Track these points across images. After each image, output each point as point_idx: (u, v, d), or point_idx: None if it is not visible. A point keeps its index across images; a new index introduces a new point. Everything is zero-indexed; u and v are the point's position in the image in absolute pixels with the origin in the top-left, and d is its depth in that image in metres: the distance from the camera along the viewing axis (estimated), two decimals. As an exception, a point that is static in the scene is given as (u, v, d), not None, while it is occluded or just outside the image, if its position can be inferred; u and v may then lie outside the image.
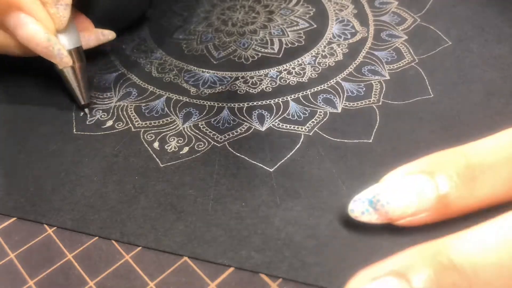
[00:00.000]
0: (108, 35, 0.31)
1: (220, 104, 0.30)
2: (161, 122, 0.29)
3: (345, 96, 0.30)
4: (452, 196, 0.20)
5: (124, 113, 0.30)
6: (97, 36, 0.31)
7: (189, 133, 0.28)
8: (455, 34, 0.34)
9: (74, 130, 0.29)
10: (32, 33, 0.25)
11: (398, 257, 0.17)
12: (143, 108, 0.30)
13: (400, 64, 0.32)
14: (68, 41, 0.28)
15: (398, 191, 0.20)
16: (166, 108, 0.30)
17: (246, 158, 0.26)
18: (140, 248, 0.23)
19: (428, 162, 0.21)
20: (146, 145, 0.27)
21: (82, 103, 0.29)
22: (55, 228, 0.24)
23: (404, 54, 0.33)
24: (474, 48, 0.33)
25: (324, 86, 0.31)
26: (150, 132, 0.28)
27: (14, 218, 0.24)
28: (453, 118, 0.28)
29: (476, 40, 0.33)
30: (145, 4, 0.37)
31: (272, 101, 0.30)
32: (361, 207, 0.21)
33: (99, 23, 0.31)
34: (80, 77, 0.29)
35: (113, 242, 0.23)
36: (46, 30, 0.25)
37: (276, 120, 0.29)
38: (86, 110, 0.30)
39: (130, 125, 0.29)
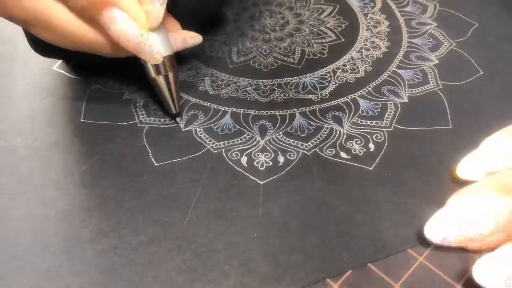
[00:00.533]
0: (195, 38, 0.30)
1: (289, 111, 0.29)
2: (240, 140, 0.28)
3: (357, 113, 0.29)
4: None
5: (195, 136, 0.28)
6: (184, 38, 0.29)
7: (271, 146, 0.27)
8: (489, 66, 0.32)
9: (155, 162, 0.27)
10: (124, 29, 0.24)
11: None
12: (215, 128, 0.28)
13: (423, 88, 0.30)
14: (161, 48, 0.26)
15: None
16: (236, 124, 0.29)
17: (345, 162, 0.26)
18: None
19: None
20: (233, 165, 0.26)
21: (174, 112, 0.28)
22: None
23: (430, 78, 0.31)
24: (507, 83, 0.30)
25: (337, 102, 0.30)
26: (233, 150, 0.27)
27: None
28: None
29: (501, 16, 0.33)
30: (221, 2, 0.36)
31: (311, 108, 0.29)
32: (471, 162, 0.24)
33: (183, 24, 0.30)
34: (173, 86, 0.28)
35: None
36: (139, 26, 0.25)
37: (280, 133, 0.28)
38: (178, 119, 0.29)
39: (209, 147, 0.27)
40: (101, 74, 0.32)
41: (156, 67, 0.27)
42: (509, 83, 0.30)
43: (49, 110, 0.30)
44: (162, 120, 0.29)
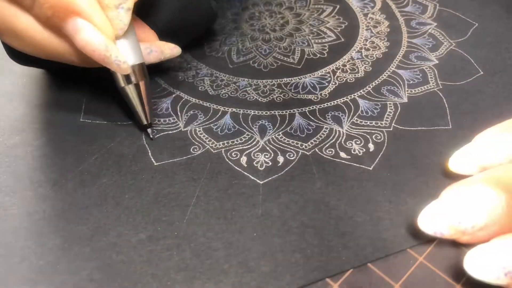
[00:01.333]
0: (174, 49, 0.29)
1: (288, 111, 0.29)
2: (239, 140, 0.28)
3: (357, 113, 0.29)
4: None
5: (195, 136, 0.28)
6: (160, 49, 0.28)
7: (271, 146, 0.27)
8: (489, 66, 0.32)
9: (154, 162, 0.27)
10: (89, 39, 0.23)
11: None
12: (214, 128, 0.28)
13: (422, 88, 0.30)
14: (130, 56, 0.26)
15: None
16: (236, 124, 0.29)
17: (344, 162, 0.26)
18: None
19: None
20: (233, 164, 0.26)
21: (145, 123, 0.27)
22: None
23: (429, 78, 0.31)
24: (506, 83, 0.30)
25: (337, 102, 0.30)
26: (232, 150, 0.27)
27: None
28: None
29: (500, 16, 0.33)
30: (212, 18, 0.34)
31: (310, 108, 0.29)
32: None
33: (162, 37, 0.29)
34: (144, 96, 0.27)
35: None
36: (105, 35, 0.24)
37: (280, 133, 0.28)
38: (149, 130, 0.27)
39: (208, 147, 0.27)
40: (100, 75, 0.32)
41: (126, 76, 0.26)
42: (508, 83, 0.30)
43: (49, 109, 0.30)
44: (161, 120, 0.29)
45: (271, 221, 0.23)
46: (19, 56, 0.28)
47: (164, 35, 0.29)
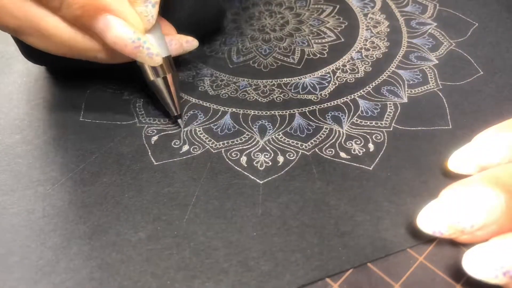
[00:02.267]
0: (192, 42, 0.29)
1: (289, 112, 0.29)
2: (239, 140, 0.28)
3: (357, 114, 0.29)
4: None
5: (195, 136, 0.28)
6: (180, 42, 0.28)
7: (271, 146, 0.27)
8: (489, 66, 0.32)
9: (154, 161, 0.27)
10: (120, 34, 0.23)
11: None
12: (214, 128, 0.28)
13: (422, 88, 0.30)
14: (159, 46, 0.26)
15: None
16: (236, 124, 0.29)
17: (344, 162, 0.26)
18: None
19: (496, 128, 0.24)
20: (233, 164, 0.26)
21: (175, 114, 0.28)
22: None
23: (429, 78, 0.31)
24: (506, 83, 0.31)
25: (337, 102, 0.30)
26: (232, 150, 0.27)
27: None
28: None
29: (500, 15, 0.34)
30: (221, 14, 0.35)
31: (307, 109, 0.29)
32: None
33: (180, 30, 0.29)
34: (172, 88, 0.27)
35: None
36: (135, 29, 0.24)
37: (280, 133, 0.28)
38: (179, 121, 0.28)
39: (208, 146, 0.27)
40: (101, 75, 0.32)
41: (154, 69, 0.26)
42: (508, 82, 0.30)
43: (48, 108, 0.30)
44: (161, 120, 0.29)
45: (271, 221, 0.23)
46: (35, 55, 0.28)
47: (181, 29, 0.29)
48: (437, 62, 0.32)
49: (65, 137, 0.28)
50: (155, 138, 0.28)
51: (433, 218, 0.21)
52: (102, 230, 0.23)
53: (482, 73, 0.31)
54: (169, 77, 0.27)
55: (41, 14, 0.23)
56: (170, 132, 0.28)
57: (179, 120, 0.28)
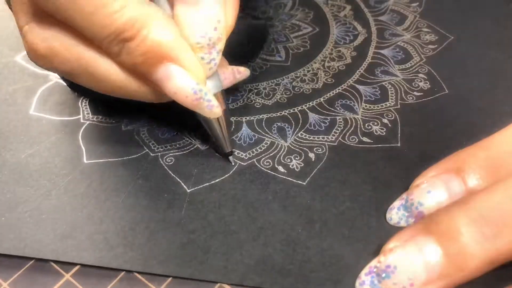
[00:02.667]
0: (244, 72, 0.28)
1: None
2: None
3: (363, 99, 0.30)
4: (479, 186, 0.21)
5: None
6: (233, 74, 0.27)
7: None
8: (455, 86, 0.31)
9: (187, 188, 0.25)
10: (181, 85, 0.22)
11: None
12: (237, 140, 0.28)
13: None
14: (212, 85, 0.25)
15: (429, 192, 0.22)
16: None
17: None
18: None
19: (451, 161, 0.22)
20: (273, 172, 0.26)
21: (227, 151, 0.26)
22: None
23: (411, 53, 0.33)
24: (476, 38, 0.33)
25: (339, 90, 0.31)
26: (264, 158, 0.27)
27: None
28: (472, 112, 0.29)
29: (477, 31, 0.35)
30: (263, 41, 0.35)
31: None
32: (397, 215, 0.23)
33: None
34: (224, 123, 0.26)
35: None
36: (197, 80, 0.23)
37: (302, 131, 0.28)
38: (231, 158, 0.26)
39: (239, 162, 0.26)
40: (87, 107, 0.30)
41: None
42: (470, 106, 0.29)
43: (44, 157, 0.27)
44: (175, 144, 0.28)
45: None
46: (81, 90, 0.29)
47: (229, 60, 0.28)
48: (401, 77, 0.31)
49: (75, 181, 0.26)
50: (175, 165, 0.26)
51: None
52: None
53: (447, 91, 0.30)
54: (222, 113, 0.25)
55: (94, 59, 0.22)
56: (187, 153, 0.27)
57: (230, 158, 0.27)
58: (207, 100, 0.23)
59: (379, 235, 0.22)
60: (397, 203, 0.23)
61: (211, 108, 0.24)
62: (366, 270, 0.20)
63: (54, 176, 0.26)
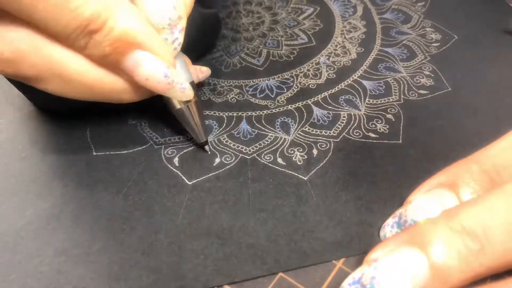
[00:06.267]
0: (206, 72, 0.28)
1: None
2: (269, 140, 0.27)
3: (367, 95, 0.30)
4: None
5: (221, 145, 0.27)
6: (196, 73, 0.27)
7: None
8: (458, 84, 0.31)
9: (187, 180, 0.25)
10: (152, 71, 0.22)
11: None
12: (235, 134, 0.28)
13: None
14: (183, 75, 0.24)
15: (423, 209, 0.21)
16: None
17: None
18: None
19: (444, 175, 0.22)
20: (278, 167, 0.26)
21: (202, 140, 0.26)
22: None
23: (416, 51, 0.33)
24: (480, 40, 0.34)
25: (342, 85, 0.31)
26: (265, 152, 0.27)
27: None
28: (473, 111, 0.28)
29: (482, 32, 0.35)
30: (218, 33, 0.35)
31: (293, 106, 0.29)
32: (391, 233, 0.22)
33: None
34: (197, 114, 0.26)
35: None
36: (167, 64, 0.22)
37: (306, 126, 0.28)
38: (207, 147, 0.27)
39: (241, 155, 0.27)
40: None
41: None
42: (474, 103, 0.29)
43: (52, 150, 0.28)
44: (178, 137, 0.28)
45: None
46: (42, 100, 0.28)
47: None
48: (405, 74, 0.31)
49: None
50: (176, 158, 0.26)
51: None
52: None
53: (450, 89, 0.30)
54: (194, 104, 0.25)
55: (62, 58, 0.21)
56: (191, 148, 0.27)
57: (206, 147, 0.27)
58: (179, 83, 0.23)
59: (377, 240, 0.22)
60: (390, 221, 0.22)
61: (184, 90, 0.23)
62: (349, 280, 0.19)
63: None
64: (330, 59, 0.33)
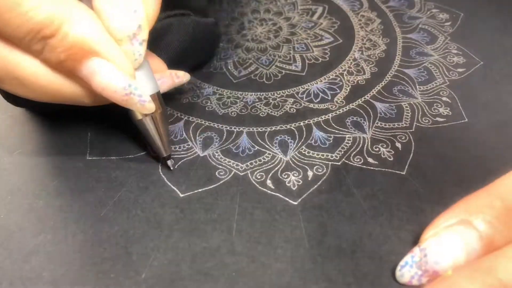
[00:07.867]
0: (182, 77, 0.27)
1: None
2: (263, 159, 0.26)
3: (377, 117, 0.28)
4: (497, 240, 0.19)
5: (216, 160, 0.26)
6: (171, 78, 0.27)
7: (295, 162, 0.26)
8: (487, 55, 0.32)
9: (180, 194, 0.25)
10: (109, 80, 0.21)
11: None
12: (234, 149, 0.27)
13: (431, 85, 0.30)
14: (146, 86, 0.23)
15: (443, 249, 0.19)
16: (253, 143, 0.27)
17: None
18: None
19: (464, 209, 0.20)
20: (261, 187, 0.25)
21: (164, 155, 0.25)
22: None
23: (435, 74, 0.31)
24: (506, 67, 0.32)
25: (352, 106, 0.29)
26: (258, 171, 0.26)
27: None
28: (489, 145, 0.26)
29: (508, 59, 0.32)
30: (218, 40, 0.34)
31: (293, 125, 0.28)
32: (409, 273, 0.20)
33: (172, 64, 0.27)
34: (161, 126, 0.25)
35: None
36: (125, 74, 0.22)
37: (303, 147, 0.27)
38: (169, 162, 0.26)
39: (234, 170, 0.26)
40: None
41: None
42: (508, 69, 0.31)
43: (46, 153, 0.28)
44: (178, 147, 0.27)
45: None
46: (16, 98, 0.25)
47: (175, 62, 0.28)
48: (436, 56, 0.33)
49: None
50: (176, 168, 0.26)
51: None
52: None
53: (482, 63, 0.32)
54: (158, 115, 0.24)
55: (17, 58, 0.21)
56: (188, 158, 0.27)
57: (169, 162, 0.26)
58: (138, 95, 0.22)
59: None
60: (409, 259, 0.20)
61: (143, 103, 0.22)
62: None
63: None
64: (364, 53, 0.33)
